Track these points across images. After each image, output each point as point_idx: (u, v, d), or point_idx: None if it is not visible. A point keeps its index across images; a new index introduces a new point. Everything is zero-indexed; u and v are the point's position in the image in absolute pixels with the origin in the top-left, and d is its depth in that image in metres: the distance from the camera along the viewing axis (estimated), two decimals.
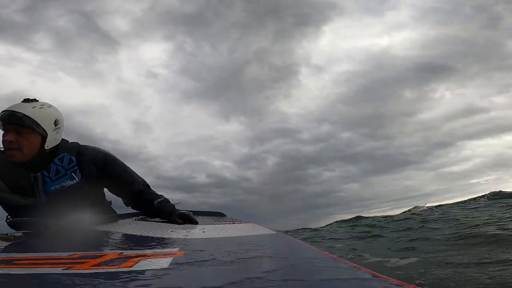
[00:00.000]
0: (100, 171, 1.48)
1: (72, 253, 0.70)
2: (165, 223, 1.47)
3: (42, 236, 1.08)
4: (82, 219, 1.23)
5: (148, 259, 0.66)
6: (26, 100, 1.42)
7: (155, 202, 1.54)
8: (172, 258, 0.68)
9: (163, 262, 0.63)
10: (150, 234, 1.12)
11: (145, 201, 1.56)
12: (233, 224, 1.55)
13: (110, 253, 0.73)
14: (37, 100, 1.45)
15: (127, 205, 1.60)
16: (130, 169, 1.60)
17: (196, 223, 1.46)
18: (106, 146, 1.61)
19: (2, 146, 1.40)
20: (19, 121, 1.34)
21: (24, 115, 1.36)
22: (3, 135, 1.35)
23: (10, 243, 1.12)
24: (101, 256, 0.68)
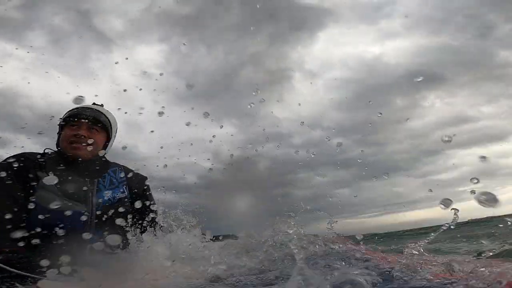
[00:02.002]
0: (142, 192, 1.52)
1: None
2: None
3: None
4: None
5: None
6: (95, 104, 1.42)
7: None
8: None
9: None
10: None
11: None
12: None
13: None
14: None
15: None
16: None
17: None
18: None
19: (63, 143, 1.32)
20: (96, 117, 1.36)
21: (101, 112, 1.40)
22: (70, 130, 1.33)
23: None
24: None
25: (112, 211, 1.35)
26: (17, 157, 1.25)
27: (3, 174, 1.19)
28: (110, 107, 1.51)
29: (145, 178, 1.58)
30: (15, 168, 1.21)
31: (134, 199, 1.47)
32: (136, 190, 1.50)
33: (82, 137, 1.32)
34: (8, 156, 1.25)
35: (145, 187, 1.55)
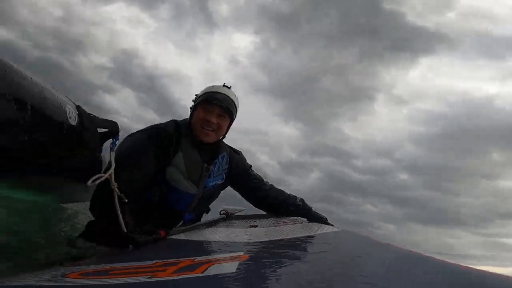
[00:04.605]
0: (242, 176, 1.59)
1: (154, 261, 0.80)
2: (228, 228, 1.54)
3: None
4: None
5: (217, 264, 0.72)
6: (226, 86, 1.44)
7: (297, 201, 1.62)
8: (238, 262, 0.73)
9: (231, 266, 0.68)
10: (217, 239, 1.20)
11: (283, 201, 1.61)
12: (294, 225, 1.56)
13: (185, 259, 0.81)
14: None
15: (257, 206, 1.66)
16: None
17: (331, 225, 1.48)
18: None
19: (195, 123, 1.38)
20: (228, 105, 1.38)
21: (232, 99, 1.40)
22: (203, 113, 1.37)
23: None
24: (178, 263, 0.76)
25: (209, 195, 1.49)
26: (161, 131, 1.34)
27: (149, 145, 1.28)
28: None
29: (247, 164, 1.63)
30: (157, 142, 1.30)
31: (232, 179, 1.56)
32: (236, 178, 1.57)
33: (214, 123, 1.38)
34: (152, 126, 1.37)
35: (245, 167, 1.62)
